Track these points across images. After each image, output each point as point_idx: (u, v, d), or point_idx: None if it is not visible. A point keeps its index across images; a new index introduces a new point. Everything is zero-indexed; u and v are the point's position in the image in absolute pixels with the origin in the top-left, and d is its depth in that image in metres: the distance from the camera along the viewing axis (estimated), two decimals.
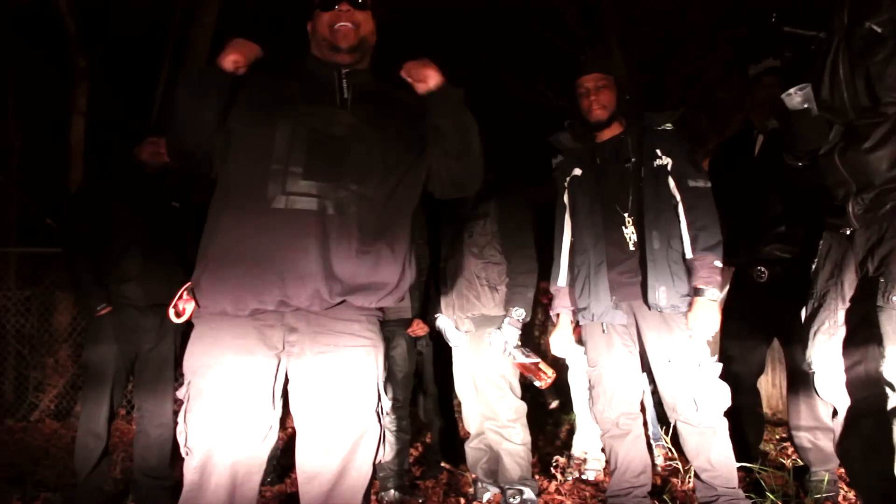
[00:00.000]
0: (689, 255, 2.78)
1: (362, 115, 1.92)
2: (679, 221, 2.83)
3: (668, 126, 2.93)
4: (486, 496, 3.49)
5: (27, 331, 6.58)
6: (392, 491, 3.54)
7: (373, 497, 3.51)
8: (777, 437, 4.62)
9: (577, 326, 3.94)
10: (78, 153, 7.70)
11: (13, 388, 6.49)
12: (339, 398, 1.84)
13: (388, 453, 3.55)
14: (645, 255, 2.80)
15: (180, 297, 1.90)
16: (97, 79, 7.65)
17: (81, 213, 3.55)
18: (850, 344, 2.07)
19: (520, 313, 3.30)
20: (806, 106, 2.05)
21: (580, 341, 3.26)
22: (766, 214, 3.23)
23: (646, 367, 2.95)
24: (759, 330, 3.32)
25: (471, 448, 3.54)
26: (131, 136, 3.61)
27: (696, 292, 2.76)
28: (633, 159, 2.89)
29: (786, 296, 3.09)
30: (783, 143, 2.30)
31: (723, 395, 2.80)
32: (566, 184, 3.09)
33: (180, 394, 1.86)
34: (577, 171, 3.04)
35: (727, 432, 2.80)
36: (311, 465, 1.85)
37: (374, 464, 1.89)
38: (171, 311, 1.90)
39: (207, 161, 1.93)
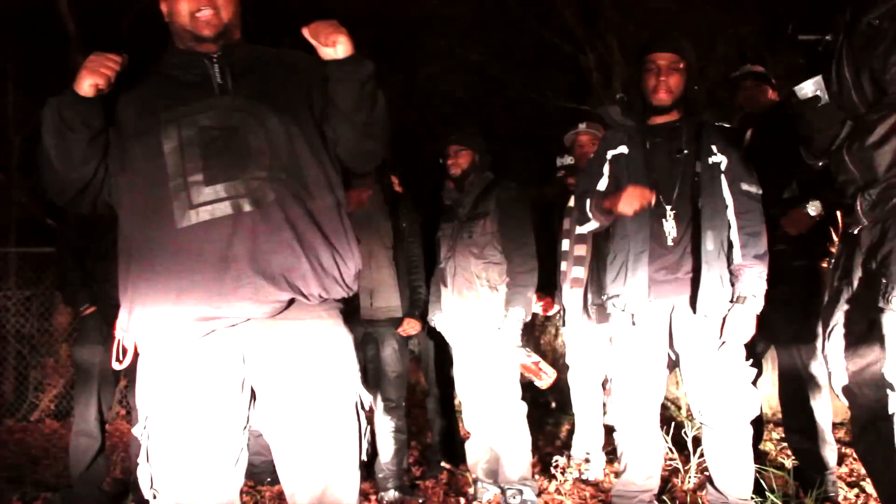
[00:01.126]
0: (737, 260, 2.66)
1: (245, 93, 1.72)
2: (729, 224, 2.70)
3: (728, 125, 2.83)
4: (487, 496, 3.49)
5: (27, 331, 6.58)
6: (392, 491, 3.54)
7: (373, 497, 3.51)
8: (777, 437, 4.62)
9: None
10: None
11: (13, 388, 6.49)
12: (309, 394, 1.70)
13: (385, 454, 3.58)
14: (698, 255, 2.66)
15: (117, 344, 1.79)
16: None
17: (68, 213, 3.57)
18: (860, 345, 2.05)
19: (520, 313, 3.29)
20: (818, 93, 2.03)
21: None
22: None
23: (677, 363, 2.84)
24: (756, 331, 3.32)
25: (471, 448, 3.54)
26: None
27: (738, 299, 2.65)
28: (685, 151, 2.73)
29: (779, 295, 3.09)
30: (801, 142, 2.28)
31: (753, 402, 2.73)
32: (608, 158, 2.88)
33: (136, 431, 1.72)
34: (624, 149, 2.82)
35: (751, 441, 2.72)
36: (292, 476, 1.74)
37: (359, 459, 1.78)
38: (113, 361, 1.79)
39: (100, 195, 1.78)
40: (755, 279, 2.65)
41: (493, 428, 3.36)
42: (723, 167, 2.71)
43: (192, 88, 1.73)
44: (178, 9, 1.73)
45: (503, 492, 3.32)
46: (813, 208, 3.06)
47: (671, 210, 2.72)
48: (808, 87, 2.06)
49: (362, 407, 1.78)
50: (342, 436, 1.74)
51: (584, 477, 3.82)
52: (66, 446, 4.71)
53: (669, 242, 2.71)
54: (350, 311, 3.46)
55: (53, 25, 7.50)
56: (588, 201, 2.88)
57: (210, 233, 1.64)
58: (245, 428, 1.75)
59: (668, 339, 2.80)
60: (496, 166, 3.65)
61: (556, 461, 3.85)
